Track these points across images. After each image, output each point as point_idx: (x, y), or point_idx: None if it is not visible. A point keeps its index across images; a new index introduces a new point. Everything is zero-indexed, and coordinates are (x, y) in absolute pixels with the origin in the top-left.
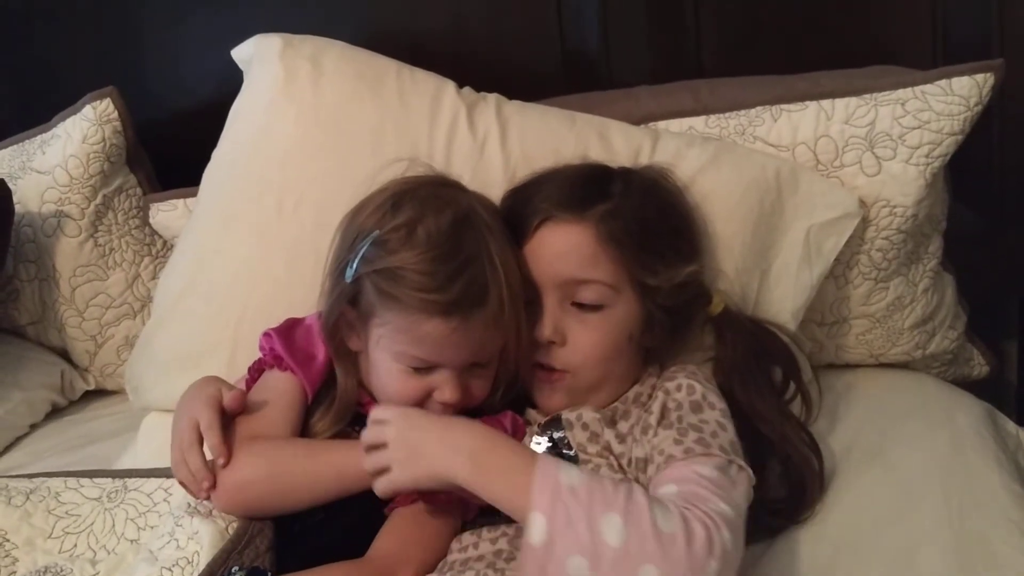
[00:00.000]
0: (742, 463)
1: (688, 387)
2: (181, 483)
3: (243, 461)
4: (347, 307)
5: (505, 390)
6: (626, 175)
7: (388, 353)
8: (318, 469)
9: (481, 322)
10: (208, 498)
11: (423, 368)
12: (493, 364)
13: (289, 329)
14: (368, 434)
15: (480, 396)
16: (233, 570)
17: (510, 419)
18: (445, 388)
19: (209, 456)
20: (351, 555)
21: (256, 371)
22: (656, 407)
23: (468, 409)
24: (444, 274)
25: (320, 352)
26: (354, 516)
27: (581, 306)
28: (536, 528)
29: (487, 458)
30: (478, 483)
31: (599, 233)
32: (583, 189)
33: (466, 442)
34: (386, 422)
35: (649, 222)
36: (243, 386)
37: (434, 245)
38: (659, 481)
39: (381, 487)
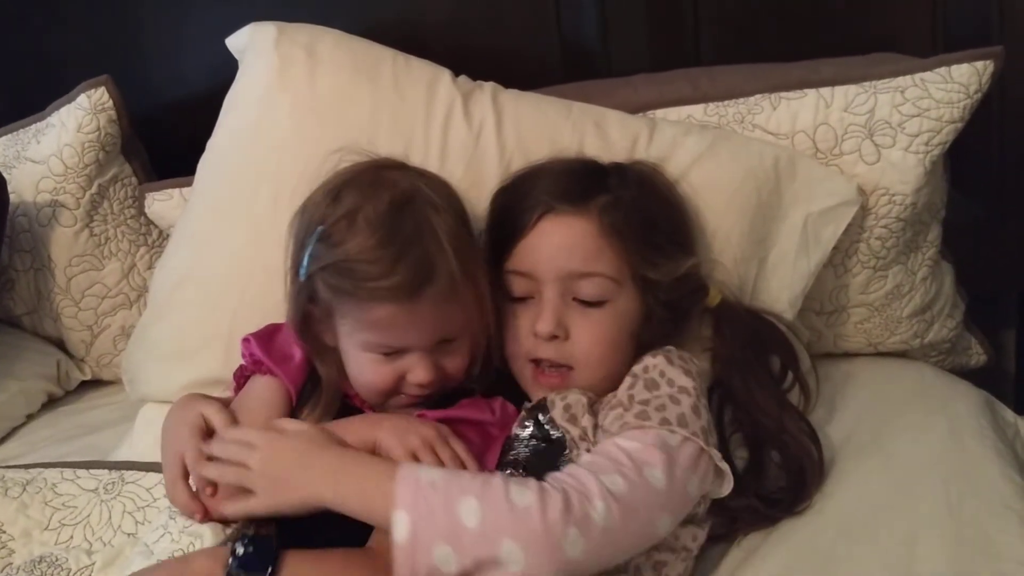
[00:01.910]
0: (690, 435)
1: (653, 366)
2: None
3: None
4: (310, 305)
5: (483, 367)
6: (619, 170)
7: (355, 344)
8: None
9: (432, 300)
10: (203, 520)
11: (392, 353)
12: (463, 338)
13: (269, 333)
14: (230, 451)
15: (456, 373)
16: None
17: (500, 404)
18: (417, 370)
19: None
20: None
21: (241, 378)
22: (622, 389)
23: (455, 395)
24: (387, 259)
25: (297, 351)
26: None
27: (584, 302)
28: (400, 525)
29: (349, 475)
30: (343, 501)
31: (602, 225)
32: (582, 182)
33: (325, 462)
34: (253, 446)
35: (649, 214)
36: (233, 396)
37: (375, 231)
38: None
39: (233, 510)
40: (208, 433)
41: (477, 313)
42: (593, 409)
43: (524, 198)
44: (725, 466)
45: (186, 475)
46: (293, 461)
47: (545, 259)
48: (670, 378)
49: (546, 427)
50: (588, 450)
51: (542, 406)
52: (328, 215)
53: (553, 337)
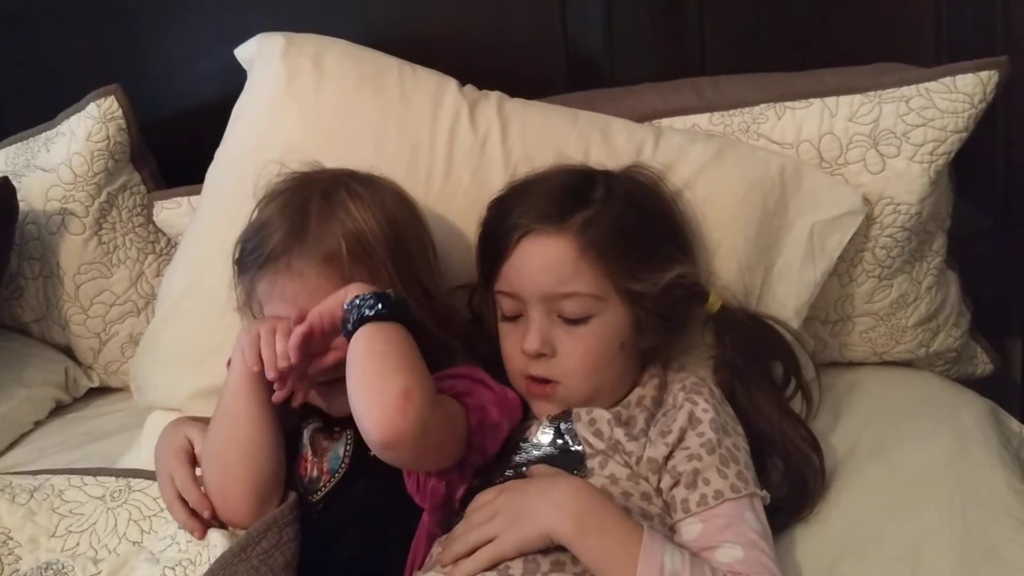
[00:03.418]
0: (764, 493)
1: (714, 406)
2: None
3: (207, 480)
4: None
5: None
6: (608, 179)
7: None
8: (220, 406)
9: (298, 271)
10: (202, 538)
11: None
12: None
13: None
14: (477, 517)
15: None
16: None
17: (500, 387)
18: None
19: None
20: (379, 542)
21: None
22: (681, 416)
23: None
24: (264, 232)
25: None
26: (378, 510)
27: (568, 319)
28: None
29: (591, 520)
30: (581, 544)
31: (579, 244)
32: (562, 199)
33: (569, 500)
34: (491, 500)
35: (631, 227)
36: None
37: (263, 213)
38: (718, 529)
39: (485, 556)
40: (194, 455)
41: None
42: (620, 420)
43: (505, 219)
44: (768, 497)
45: (180, 496)
46: (533, 493)
47: (527, 280)
48: (732, 426)
49: (567, 438)
50: (619, 463)
51: (566, 415)
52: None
53: (540, 355)
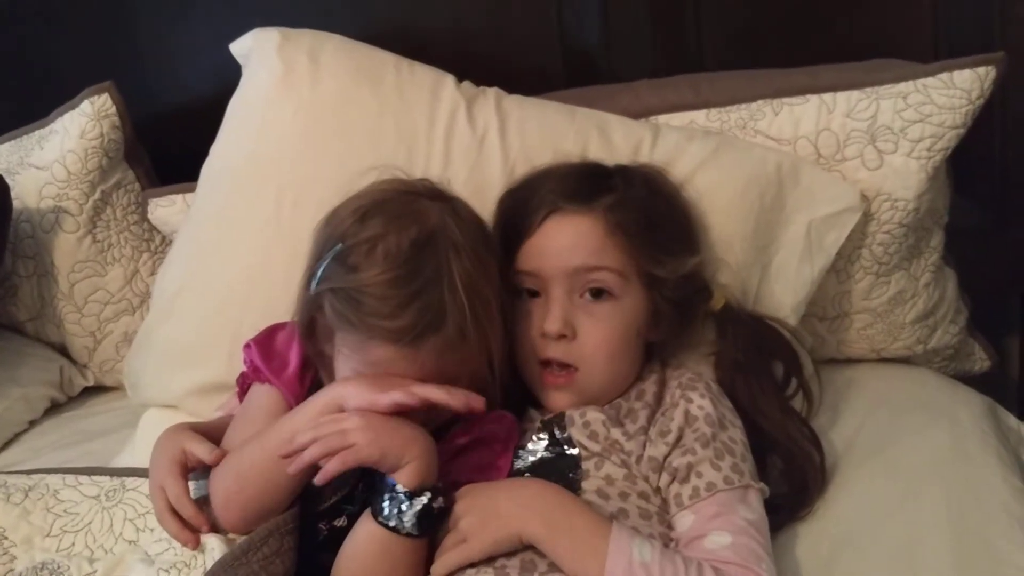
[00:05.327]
0: (761, 485)
1: (711, 400)
2: None
3: (216, 485)
4: (318, 313)
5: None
6: (623, 171)
7: (349, 368)
8: (268, 446)
9: (435, 349)
10: (196, 548)
11: None
12: (459, 381)
13: (268, 337)
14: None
15: (442, 415)
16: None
17: (496, 415)
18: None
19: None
20: None
21: (243, 385)
22: (678, 415)
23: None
24: (397, 300)
25: (293, 358)
26: None
27: (592, 294)
28: None
29: (558, 518)
30: (550, 543)
31: (607, 223)
32: (587, 182)
33: (537, 500)
34: (461, 498)
35: (655, 213)
36: (236, 402)
37: (391, 267)
38: (708, 518)
39: (455, 558)
40: (188, 467)
41: (482, 358)
42: (618, 416)
43: (530, 199)
44: (767, 489)
45: (171, 507)
46: (500, 494)
47: (551, 257)
48: (730, 419)
49: (562, 443)
50: (615, 463)
51: (559, 420)
52: (350, 235)
53: (561, 336)
